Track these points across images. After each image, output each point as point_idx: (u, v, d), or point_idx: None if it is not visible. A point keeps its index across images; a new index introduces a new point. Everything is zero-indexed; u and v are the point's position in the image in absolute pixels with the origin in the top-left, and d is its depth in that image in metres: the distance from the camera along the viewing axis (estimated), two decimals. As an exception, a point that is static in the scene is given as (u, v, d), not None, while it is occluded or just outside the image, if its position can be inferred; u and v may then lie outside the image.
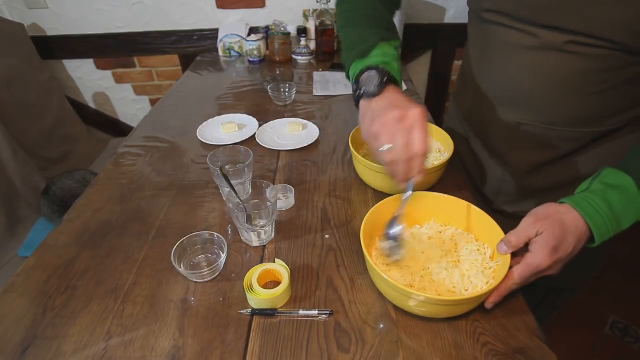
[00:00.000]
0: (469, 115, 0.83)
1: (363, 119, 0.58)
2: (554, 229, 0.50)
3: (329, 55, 1.52)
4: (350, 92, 1.19)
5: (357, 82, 0.59)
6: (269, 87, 1.16)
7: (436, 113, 1.94)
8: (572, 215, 0.51)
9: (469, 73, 0.79)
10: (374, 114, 0.55)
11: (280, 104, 1.16)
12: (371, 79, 0.57)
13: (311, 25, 1.50)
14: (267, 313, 0.56)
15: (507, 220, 0.59)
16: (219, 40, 1.57)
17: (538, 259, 0.50)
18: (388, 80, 0.57)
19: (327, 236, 0.69)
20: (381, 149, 0.53)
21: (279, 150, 0.93)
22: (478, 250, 0.60)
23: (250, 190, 0.71)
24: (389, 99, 0.55)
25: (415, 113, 0.52)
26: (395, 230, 0.57)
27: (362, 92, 0.58)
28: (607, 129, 0.65)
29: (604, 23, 0.53)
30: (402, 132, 0.52)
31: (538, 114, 0.67)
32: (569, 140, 0.67)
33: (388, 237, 0.57)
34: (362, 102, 0.58)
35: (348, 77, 0.65)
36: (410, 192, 0.56)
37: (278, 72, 1.42)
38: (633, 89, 0.60)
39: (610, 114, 0.63)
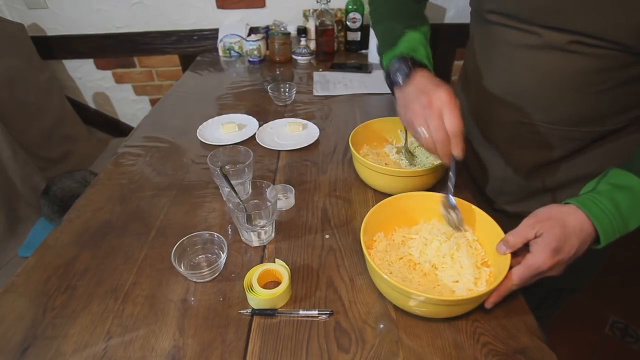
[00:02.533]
0: (471, 114, 0.83)
1: (398, 107, 0.61)
2: (554, 229, 0.50)
3: (329, 55, 1.52)
4: (349, 92, 1.20)
5: (388, 74, 0.62)
6: (269, 87, 1.16)
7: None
8: (576, 216, 0.51)
9: (471, 72, 0.79)
10: (405, 102, 0.58)
11: (280, 104, 1.16)
12: (399, 69, 0.60)
13: (311, 25, 1.50)
14: (267, 313, 0.56)
15: (508, 220, 0.59)
16: (219, 40, 1.57)
17: (539, 260, 0.50)
18: (414, 66, 0.59)
19: (327, 236, 0.69)
20: (418, 133, 0.56)
21: (279, 150, 0.93)
22: (478, 250, 0.60)
23: (250, 190, 0.71)
24: (416, 85, 0.57)
25: (441, 95, 0.54)
26: (452, 200, 0.58)
27: (392, 82, 0.61)
28: (609, 128, 0.65)
29: (606, 25, 0.53)
30: (433, 116, 0.54)
31: (539, 113, 0.67)
32: (570, 140, 0.67)
33: (452, 208, 0.58)
34: (396, 92, 0.61)
35: (383, 69, 0.67)
36: (452, 179, 0.58)
37: (278, 72, 1.42)
38: (634, 89, 0.60)
39: (611, 114, 0.63)
